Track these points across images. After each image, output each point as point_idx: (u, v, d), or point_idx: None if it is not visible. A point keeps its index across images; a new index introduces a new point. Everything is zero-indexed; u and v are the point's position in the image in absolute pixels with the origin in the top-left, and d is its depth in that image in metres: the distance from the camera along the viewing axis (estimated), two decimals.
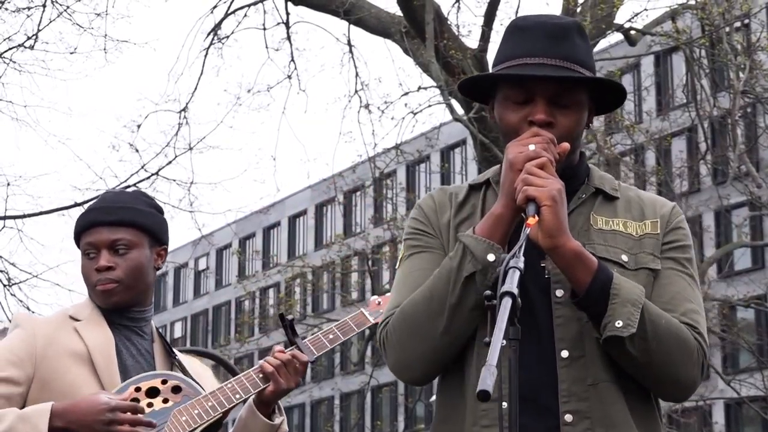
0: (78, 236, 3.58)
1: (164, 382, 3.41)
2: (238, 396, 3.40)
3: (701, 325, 2.74)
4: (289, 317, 3.53)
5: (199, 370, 3.67)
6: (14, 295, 14.91)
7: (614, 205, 2.85)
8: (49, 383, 3.38)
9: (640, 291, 2.66)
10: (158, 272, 3.64)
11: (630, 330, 2.60)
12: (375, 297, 3.63)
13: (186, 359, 3.70)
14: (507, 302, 2.34)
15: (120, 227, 3.52)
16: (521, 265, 2.41)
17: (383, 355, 2.81)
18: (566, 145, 2.72)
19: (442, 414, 2.81)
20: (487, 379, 2.20)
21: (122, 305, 3.51)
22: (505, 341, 2.63)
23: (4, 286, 14.88)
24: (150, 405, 3.36)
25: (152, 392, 3.38)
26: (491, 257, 2.66)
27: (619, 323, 2.61)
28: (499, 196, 2.71)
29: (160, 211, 3.66)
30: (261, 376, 3.41)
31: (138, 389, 3.37)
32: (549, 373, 2.68)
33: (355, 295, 33.43)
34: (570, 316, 2.70)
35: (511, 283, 2.37)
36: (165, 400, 3.38)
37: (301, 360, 3.42)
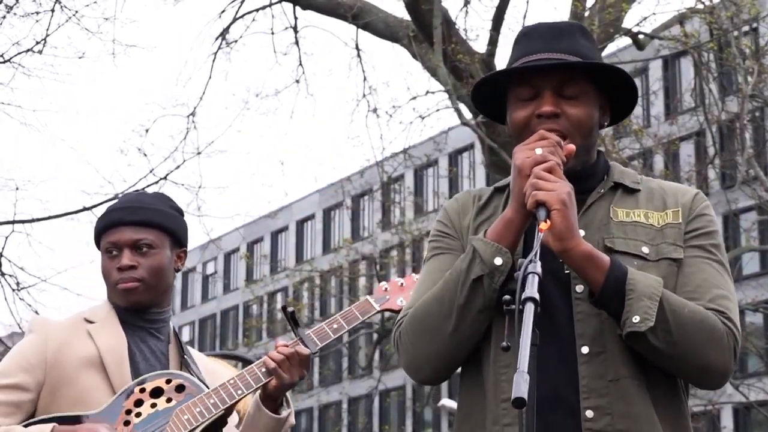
0: (99, 235, 3.58)
1: (168, 381, 3.41)
2: (240, 392, 3.39)
3: (730, 310, 2.72)
4: (290, 309, 3.51)
5: (219, 370, 3.67)
6: (23, 300, 14.91)
7: (635, 197, 2.86)
8: (60, 389, 3.38)
9: (657, 283, 2.66)
10: (178, 272, 3.64)
11: (647, 324, 2.61)
12: (383, 283, 3.64)
13: (203, 359, 3.69)
14: (530, 308, 2.37)
15: (143, 227, 3.53)
16: (539, 270, 2.44)
17: (398, 354, 2.84)
18: (572, 147, 2.74)
19: (464, 412, 2.83)
20: (521, 385, 2.23)
21: (142, 305, 3.52)
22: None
23: (13, 290, 14.89)
24: (153, 405, 3.36)
25: (156, 392, 3.38)
26: (498, 261, 2.69)
27: (636, 318, 2.62)
28: (510, 201, 2.74)
29: (181, 213, 3.67)
30: (264, 370, 3.40)
31: (143, 390, 3.38)
32: (570, 370, 2.69)
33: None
34: (589, 312, 2.71)
35: (532, 289, 2.40)
36: (168, 399, 3.38)
37: (302, 354, 3.40)
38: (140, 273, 3.49)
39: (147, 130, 16.68)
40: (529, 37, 2.88)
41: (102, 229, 3.56)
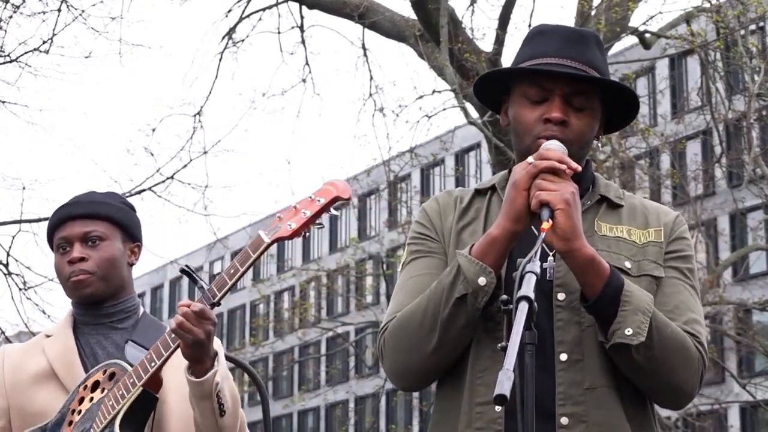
0: (51, 235, 3.58)
1: (105, 371, 3.39)
2: (153, 363, 3.30)
3: (702, 336, 2.77)
4: (185, 267, 3.41)
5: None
6: (30, 299, 14.94)
7: (618, 213, 2.87)
8: (25, 409, 3.43)
9: (649, 299, 2.68)
10: (132, 267, 3.61)
11: (639, 338, 2.62)
12: (279, 212, 3.36)
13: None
14: (524, 306, 2.36)
15: (92, 220, 3.53)
16: (537, 269, 2.43)
17: (380, 360, 2.82)
18: (576, 167, 2.68)
19: (437, 417, 2.82)
20: (505, 383, 2.21)
21: (95, 298, 3.51)
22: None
23: (20, 289, 14.91)
24: (92, 399, 3.35)
25: (95, 385, 3.37)
26: (482, 281, 2.66)
27: (629, 331, 2.62)
28: (499, 217, 2.70)
29: (133, 208, 3.67)
30: (172, 336, 3.31)
31: (85, 387, 3.37)
32: (548, 376, 2.69)
33: (369, 299, 33.44)
34: (569, 320, 2.72)
35: (528, 288, 2.39)
36: (102, 390, 3.36)
37: (195, 309, 3.30)
38: (90, 265, 3.48)
39: (153, 130, 16.72)
40: (546, 36, 2.84)
41: (53, 227, 3.57)
